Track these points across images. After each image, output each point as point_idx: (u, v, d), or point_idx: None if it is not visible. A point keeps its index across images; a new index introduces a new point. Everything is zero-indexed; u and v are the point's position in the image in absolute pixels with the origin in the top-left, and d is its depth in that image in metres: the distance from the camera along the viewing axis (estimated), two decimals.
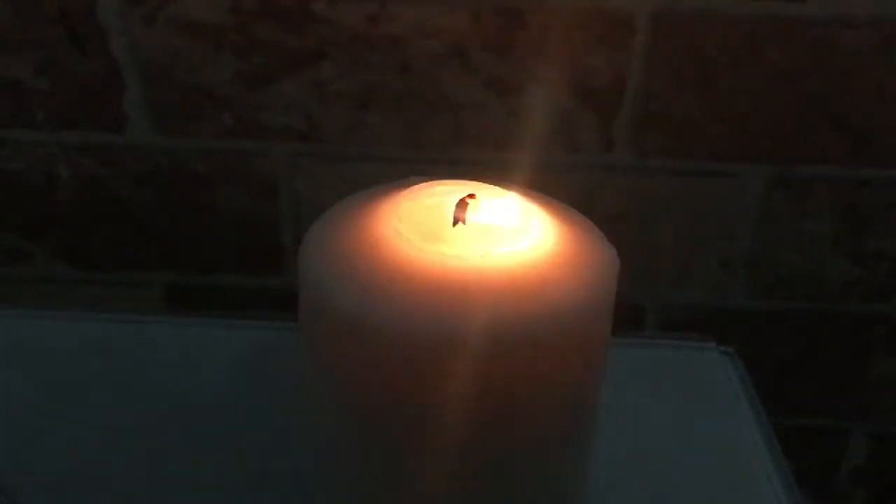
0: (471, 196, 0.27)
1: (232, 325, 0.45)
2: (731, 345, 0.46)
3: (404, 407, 0.24)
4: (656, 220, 0.54)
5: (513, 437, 0.25)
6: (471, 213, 0.26)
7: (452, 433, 0.24)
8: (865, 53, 0.49)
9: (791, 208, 0.54)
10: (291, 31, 0.49)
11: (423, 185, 0.28)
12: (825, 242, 0.55)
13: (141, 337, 0.44)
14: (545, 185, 0.48)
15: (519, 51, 0.49)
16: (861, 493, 0.65)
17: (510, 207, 0.27)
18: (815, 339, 0.59)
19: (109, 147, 0.53)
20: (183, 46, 0.50)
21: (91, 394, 0.39)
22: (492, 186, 0.28)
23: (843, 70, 0.50)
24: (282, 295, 0.57)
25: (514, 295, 0.24)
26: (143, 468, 0.35)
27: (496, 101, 0.51)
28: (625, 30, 0.49)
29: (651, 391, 0.41)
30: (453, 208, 0.26)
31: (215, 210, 0.54)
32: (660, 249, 0.55)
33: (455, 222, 0.26)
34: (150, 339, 0.43)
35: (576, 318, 0.24)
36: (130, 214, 0.55)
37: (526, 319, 0.23)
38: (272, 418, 0.37)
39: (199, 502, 0.34)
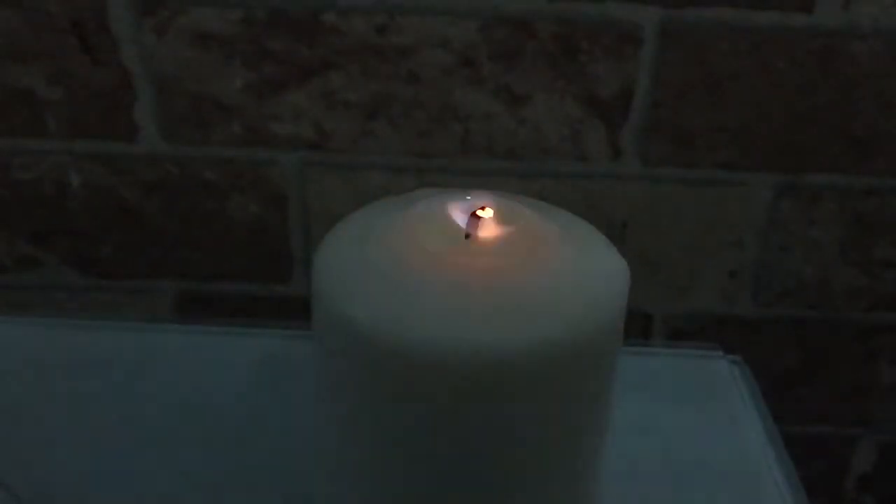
0: (482, 209, 0.27)
1: (241, 332, 0.45)
2: (738, 353, 0.46)
3: (417, 418, 0.24)
4: (664, 229, 0.55)
5: (523, 446, 0.25)
6: (482, 225, 0.26)
7: (464, 444, 0.24)
8: (872, 63, 0.50)
9: (798, 217, 0.54)
10: (301, 42, 0.49)
11: (434, 195, 0.28)
12: (832, 251, 0.55)
13: (150, 344, 0.44)
14: (553, 195, 0.48)
15: (527, 60, 0.50)
16: (869, 500, 0.65)
17: (519, 218, 0.27)
18: (822, 347, 0.59)
19: (120, 156, 0.53)
20: (194, 56, 0.50)
21: (100, 401, 0.39)
22: (501, 196, 0.28)
23: (850, 79, 0.50)
24: (291, 303, 0.57)
25: (526, 307, 0.24)
26: (153, 475, 0.35)
27: (504, 110, 0.51)
28: (632, 40, 0.49)
29: (659, 400, 0.41)
30: (464, 220, 0.27)
31: (225, 218, 0.55)
32: (667, 258, 0.55)
33: (467, 236, 0.26)
34: (160, 347, 0.44)
35: (588, 330, 0.24)
36: (141, 223, 0.55)
37: (538, 332, 0.23)
38: (282, 426, 0.38)
39: None
